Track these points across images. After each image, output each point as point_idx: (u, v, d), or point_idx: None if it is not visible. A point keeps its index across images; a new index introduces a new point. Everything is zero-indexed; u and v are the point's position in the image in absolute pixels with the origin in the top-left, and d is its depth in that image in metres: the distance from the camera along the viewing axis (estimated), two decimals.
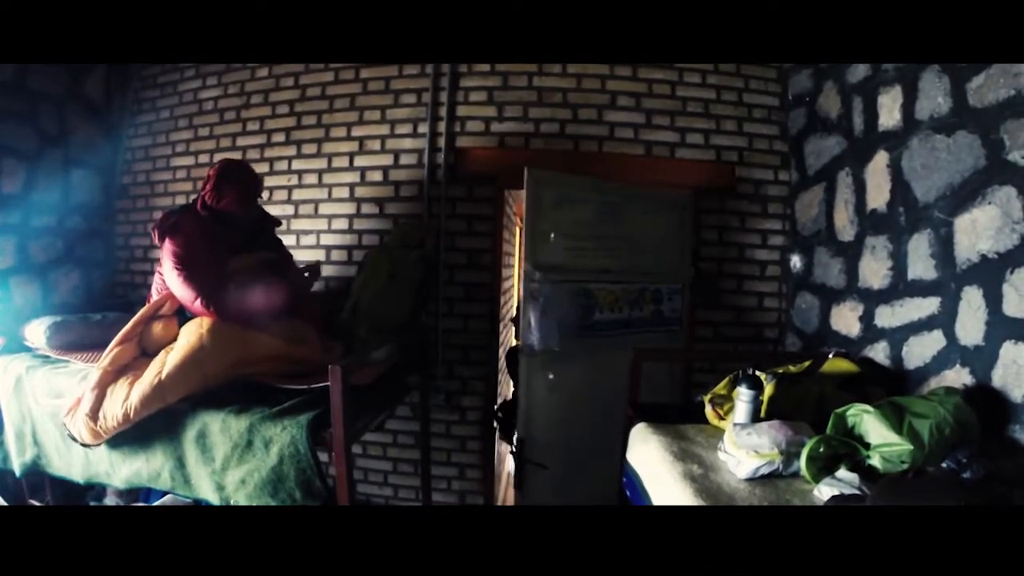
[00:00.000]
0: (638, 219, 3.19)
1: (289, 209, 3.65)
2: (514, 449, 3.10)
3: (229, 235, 2.60)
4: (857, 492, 1.59)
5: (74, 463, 2.43)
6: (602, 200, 3.05)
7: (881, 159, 2.64)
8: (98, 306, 3.38)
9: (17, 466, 2.59)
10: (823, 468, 1.74)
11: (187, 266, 2.42)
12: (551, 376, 3.02)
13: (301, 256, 3.48)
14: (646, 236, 3.23)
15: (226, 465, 2.21)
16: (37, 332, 2.76)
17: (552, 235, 2.96)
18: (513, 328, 4.08)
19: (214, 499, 2.25)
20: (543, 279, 2.86)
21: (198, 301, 2.40)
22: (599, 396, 3.02)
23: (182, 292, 2.43)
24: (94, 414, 2.22)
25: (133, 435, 2.26)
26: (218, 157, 3.69)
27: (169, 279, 2.47)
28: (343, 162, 3.61)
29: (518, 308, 3.23)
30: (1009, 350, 1.96)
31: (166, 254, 2.45)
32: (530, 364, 2.94)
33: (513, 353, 3.37)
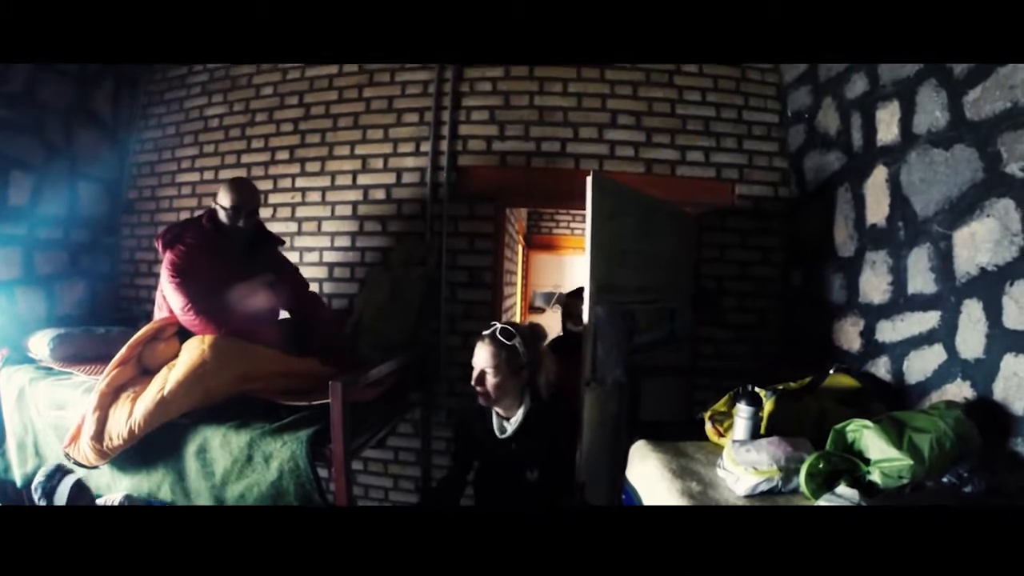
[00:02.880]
0: (661, 234, 3.10)
1: (292, 226, 3.68)
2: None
3: (231, 250, 2.63)
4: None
5: (75, 475, 2.43)
6: (639, 213, 2.91)
7: (880, 174, 2.64)
8: (102, 319, 3.40)
9: (18, 476, 2.60)
10: (823, 484, 1.72)
11: (183, 275, 2.46)
12: (613, 411, 2.65)
13: (304, 273, 3.50)
14: (667, 252, 3.17)
15: (226, 479, 2.22)
16: (41, 344, 2.77)
17: (615, 253, 2.66)
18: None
19: None
20: (610, 303, 2.54)
21: (188, 309, 2.44)
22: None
23: (174, 299, 2.47)
24: (99, 436, 2.23)
25: (134, 449, 2.27)
26: (223, 174, 3.76)
27: (165, 287, 2.51)
28: (346, 180, 3.64)
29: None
30: (1010, 363, 1.95)
31: (166, 263, 2.49)
32: (594, 400, 2.50)
33: (471, 419, 2.46)
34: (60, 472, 2.15)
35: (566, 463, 2.35)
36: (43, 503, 2.07)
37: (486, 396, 2.21)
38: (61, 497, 2.04)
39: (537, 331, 2.35)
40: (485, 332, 2.24)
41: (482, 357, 2.20)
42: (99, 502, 2.22)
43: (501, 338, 2.19)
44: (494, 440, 2.30)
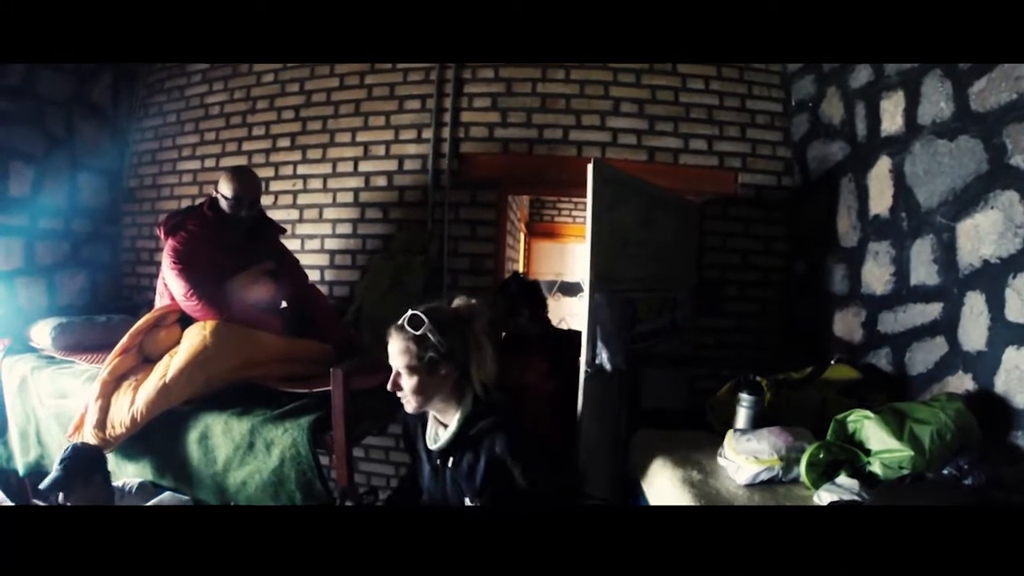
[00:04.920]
0: (663, 223, 3.06)
1: (294, 214, 3.67)
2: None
3: (233, 238, 2.62)
4: (856, 499, 1.58)
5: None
6: (641, 202, 2.85)
7: (884, 164, 2.64)
8: (103, 308, 3.41)
9: (21, 466, 2.61)
10: (823, 474, 1.73)
11: (184, 261, 2.46)
12: (614, 399, 2.64)
13: (305, 260, 3.50)
14: (668, 241, 3.13)
15: (228, 466, 2.23)
16: (42, 333, 2.78)
17: (616, 242, 2.61)
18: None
19: (215, 501, 2.26)
20: (609, 291, 2.49)
21: (190, 295, 2.44)
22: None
23: (176, 286, 2.47)
24: (101, 425, 2.24)
25: (137, 437, 2.28)
26: (224, 161, 3.75)
27: (166, 274, 2.51)
28: (348, 167, 3.63)
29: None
30: (1012, 355, 1.95)
31: (167, 250, 2.49)
32: (593, 388, 2.44)
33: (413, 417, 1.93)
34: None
35: (511, 489, 1.73)
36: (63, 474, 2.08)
37: (408, 402, 1.75)
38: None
39: (462, 313, 1.79)
40: (395, 323, 1.76)
41: (391, 354, 1.74)
42: (115, 484, 2.23)
43: (408, 328, 1.69)
44: (427, 451, 1.86)
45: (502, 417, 1.75)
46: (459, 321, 1.76)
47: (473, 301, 1.84)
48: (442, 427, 1.80)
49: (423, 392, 1.72)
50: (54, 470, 2.04)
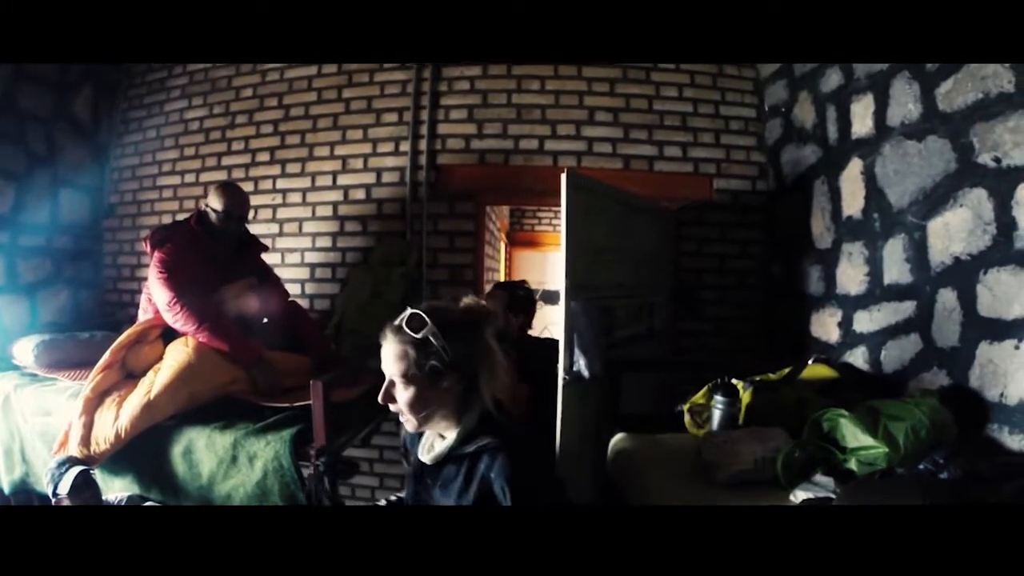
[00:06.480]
0: (639, 230, 3.10)
1: (274, 228, 3.68)
2: None
3: (218, 252, 2.64)
4: (832, 496, 1.60)
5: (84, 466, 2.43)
6: (616, 210, 2.87)
7: (855, 166, 2.68)
8: (86, 325, 3.37)
9: (5, 484, 2.58)
10: (799, 473, 1.74)
11: (170, 270, 2.46)
12: (592, 405, 2.59)
13: (286, 274, 3.49)
14: (644, 247, 3.16)
15: (213, 480, 2.22)
16: (25, 350, 2.77)
17: (591, 250, 2.64)
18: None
19: None
20: (585, 299, 2.50)
21: (174, 302, 2.43)
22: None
23: (160, 295, 2.46)
24: (86, 441, 2.22)
25: (122, 453, 2.26)
26: (204, 177, 3.75)
27: (152, 284, 2.51)
28: (326, 181, 3.64)
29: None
30: (985, 350, 1.99)
31: (154, 262, 2.49)
32: (571, 396, 2.42)
33: None
34: (70, 462, 2.14)
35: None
36: (50, 488, 2.07)
37: (405, 419, 1.43)
38: (64, 485, 2.04)
39: (472, 315, 1.48)
40: (392, 323, 1.43)
41: (385, 360, 1.41)
42: (105, 498, 2.22)
43: (408, 330, 1.37)
44: (418, 463, 1.54)
45: (507, 438, 1.41)
46: (468, 324, 1.45)
47: (479, 304, 1.53)
48: (439, 438, 1.49)
49: (423, 406, 1.40)
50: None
